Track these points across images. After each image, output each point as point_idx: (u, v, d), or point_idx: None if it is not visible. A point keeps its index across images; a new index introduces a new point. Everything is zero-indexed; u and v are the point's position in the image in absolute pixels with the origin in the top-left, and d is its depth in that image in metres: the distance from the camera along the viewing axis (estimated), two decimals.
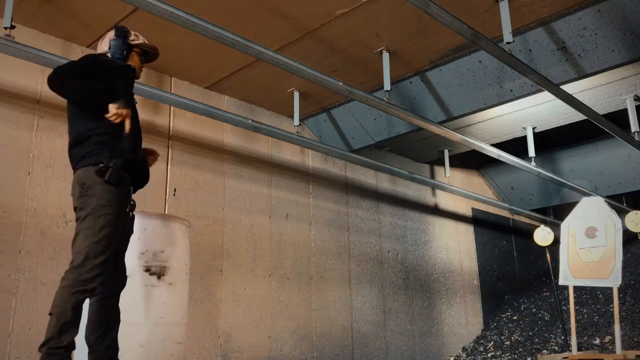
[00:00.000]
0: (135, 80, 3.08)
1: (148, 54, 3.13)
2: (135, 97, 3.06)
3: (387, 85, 4.77)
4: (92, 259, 2.56)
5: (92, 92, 2.75)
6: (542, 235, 6.47)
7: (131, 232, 2.96)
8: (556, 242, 5.89)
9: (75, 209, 2.75)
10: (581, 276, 5.18)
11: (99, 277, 2.58)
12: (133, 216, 2.96)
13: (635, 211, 5.78)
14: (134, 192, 2.96)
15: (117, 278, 2.83)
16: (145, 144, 3.12)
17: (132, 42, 3.01)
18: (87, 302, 2.79)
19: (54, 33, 4.33)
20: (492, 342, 7.32)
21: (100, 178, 2.66)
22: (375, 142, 6.01)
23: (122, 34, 2.96)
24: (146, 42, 3.09)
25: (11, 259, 3.84)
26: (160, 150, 4.81)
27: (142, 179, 2.97)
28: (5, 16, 3.58)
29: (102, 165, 2.67)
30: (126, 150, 2.77)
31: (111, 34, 2.99)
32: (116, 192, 2.70)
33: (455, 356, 7.16)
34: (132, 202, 2.86)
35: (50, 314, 2.54)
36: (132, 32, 3.03)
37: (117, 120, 2.71)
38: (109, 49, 2.95)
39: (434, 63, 5.10)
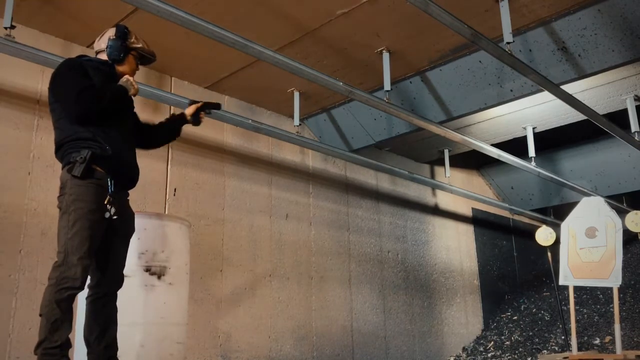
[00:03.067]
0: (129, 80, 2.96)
1: (145, 58, 3.04)
2: (135, 97, 3.03)
3: (387, 85, 4.77)
4: (71, 255, 2.53)
5: (113, 94, 2.78)
6: (544, 236, 6.48)
7: (128, 231, 2.89)
8: (557, 242, 5.89)
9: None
10: (581, 276, 5.18)
11: (82, 273, 2.55)
12: (132, 214, 2.92)
13: (635, 211, 5.78)
14: (127, 190, 2.89)
15: (111, 277, 2.79)
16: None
17: (131, 45, 2.93)
18: (84, 302, 2.80)
19: (54, 33, 4.33)
20: (492, 342, 7.32)
21: (69, 174, 2.63)
22: (375, 142, 6.01)
23: (123, 35, 2.89)
24: (145, 46, 3.01)
25: (11, 259, 3.84)
26: (160, 150, 4.82)
27: (126, 177, 2.85)
28: (6, 16, 3.58)
29: (70, 162, 2.65)
30: (94, 145, 2.67)
31: (111, 33, 2.90)
32: (87, 186, 2.62)
33: (456, 356, 7.16)
34: (110, 196, 2.68)
35: (40, 315, 2.53)
36: (132, 34, 2.95)
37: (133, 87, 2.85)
38: (106, 48, 2.87)
39: (434, 63, 5.09)
